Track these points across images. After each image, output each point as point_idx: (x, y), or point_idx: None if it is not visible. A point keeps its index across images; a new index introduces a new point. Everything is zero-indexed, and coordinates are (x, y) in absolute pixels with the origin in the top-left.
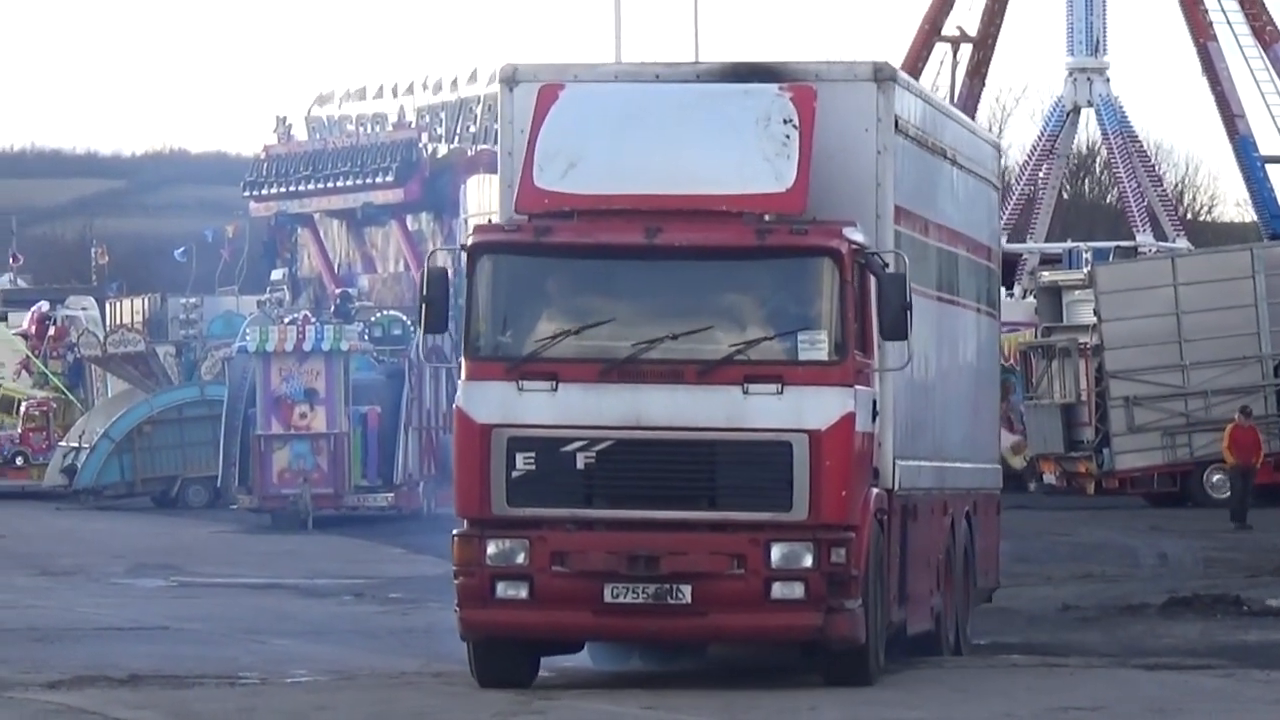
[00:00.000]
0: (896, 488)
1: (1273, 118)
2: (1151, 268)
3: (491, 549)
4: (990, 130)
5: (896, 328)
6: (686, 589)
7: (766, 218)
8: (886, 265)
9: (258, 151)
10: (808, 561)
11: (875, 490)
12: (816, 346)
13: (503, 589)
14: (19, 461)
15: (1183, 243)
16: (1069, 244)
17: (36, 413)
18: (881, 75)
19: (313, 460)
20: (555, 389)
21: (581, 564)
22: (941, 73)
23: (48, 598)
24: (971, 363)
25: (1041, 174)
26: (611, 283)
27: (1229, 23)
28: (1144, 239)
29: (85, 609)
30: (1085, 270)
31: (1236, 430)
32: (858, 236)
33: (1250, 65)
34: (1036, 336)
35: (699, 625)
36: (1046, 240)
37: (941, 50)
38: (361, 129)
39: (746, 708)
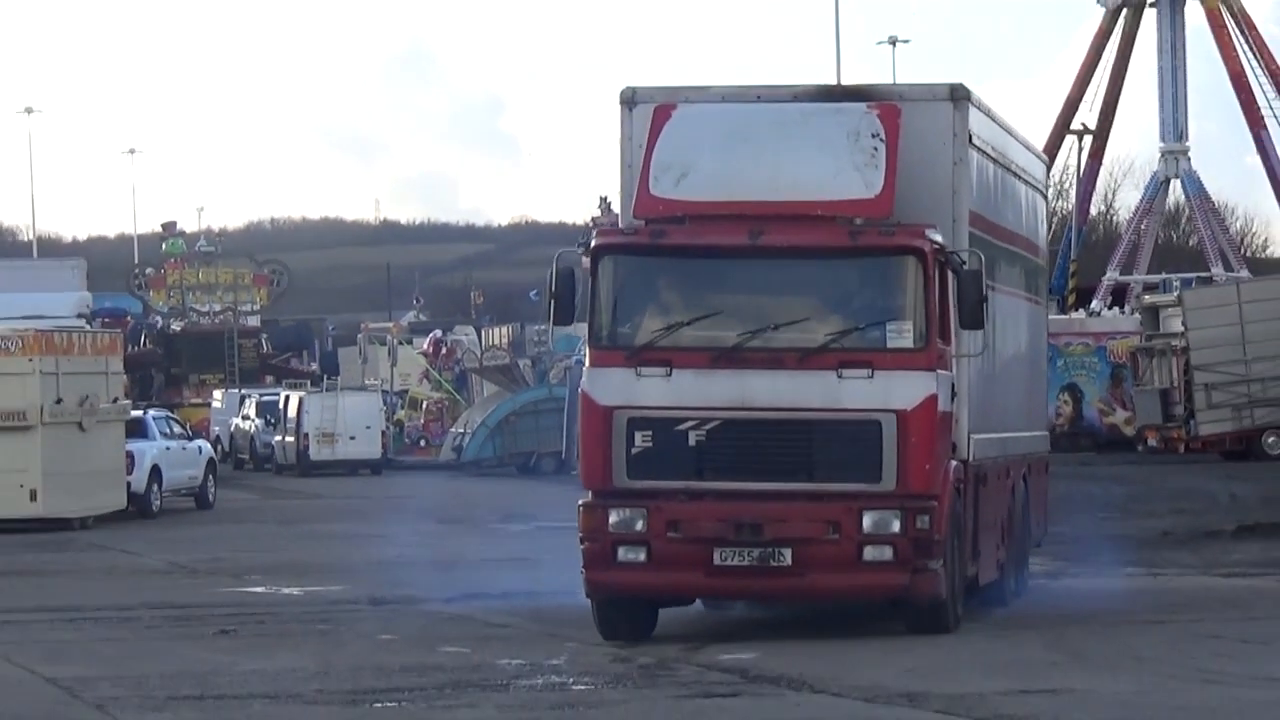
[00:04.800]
0: (971, 459)
1: None
2: (1222, 291)
3: (613, 518)
4: (1105, 196)
5: (974, 318)
6: (787, 552)
7: (857, 221)
8: (964, 263)
9: (587, 220)
10: (895, 527)
11: (954, 462)
12: (903, 335)
13: (623, 553)
14: (422, 443)
15: (1244, 273)
16: (1163, 275)
17: (434, 409)
18: (957, 95)
19: None
20: (669, 374)
21: (693, 530)
22: (1070, 156)
23: (444, 538)
24: (1026, 344)
25: (1143, 226)
26: (719, 279)
27: (1275, 115)
28: (1217, 271)
29: (470, 546)
30: (1175, 294)
31: None
32: (938, 237)
33: None
34: (1141, 341)
35: (798, 585)
36: (1147, 273)
37: (1070, 140)
38: None
39: (858, 659)
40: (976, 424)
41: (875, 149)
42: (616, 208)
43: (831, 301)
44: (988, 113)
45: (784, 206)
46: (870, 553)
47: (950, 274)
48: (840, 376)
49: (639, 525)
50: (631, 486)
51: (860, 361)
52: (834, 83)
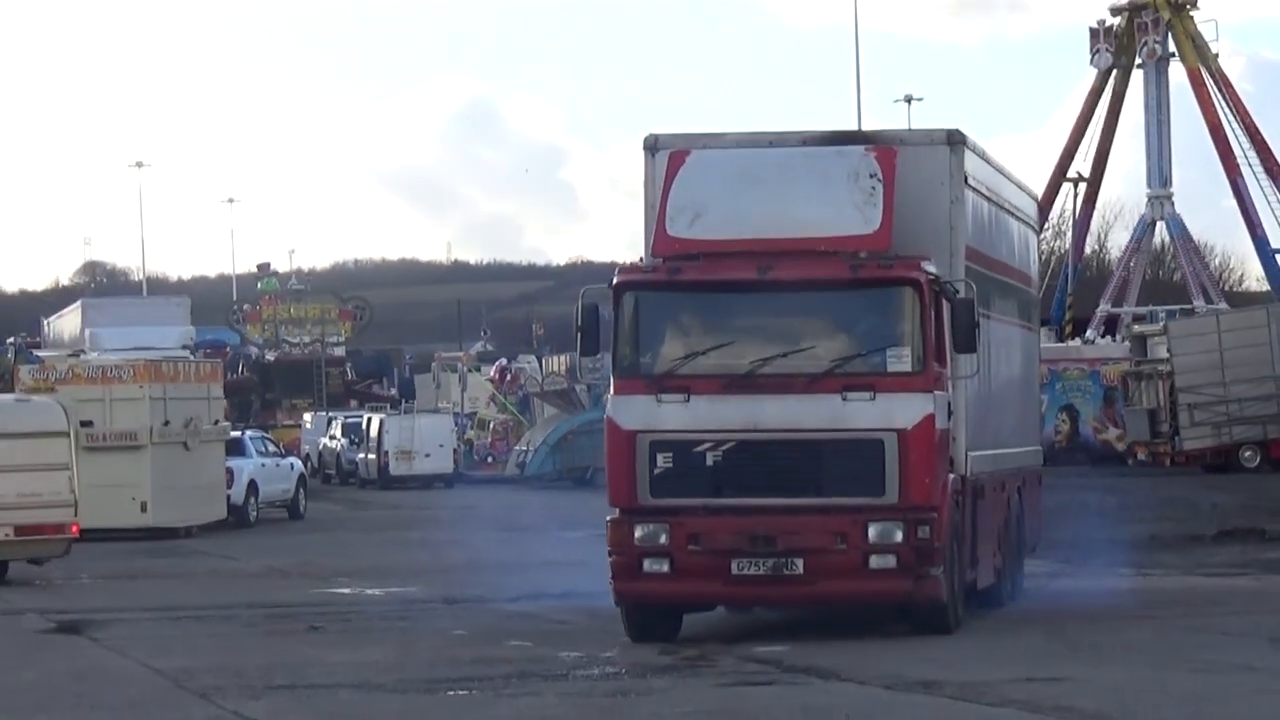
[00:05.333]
0: (968, 473)
1: (1277, 224)
2: (1203, 322)
3: (639, 532)
4: (1098, 237)
5: (967, 343)
6: (799, 561)
7: (859, 255)
8: (958, 292)
9: (637, 259)
10: (899, 537)
11: (952, 476)
12: (902, 360)
13: (648, 565)
14: (490, 460)
15: (1223, 305)
16: (1150, 308)
17: (500, 429)
18: (954, 139)
19: None
20: (687, 400)
21: (712, 543)
22: (1067, 201)
23: (509, 543)
24: (1019, 368)
25: (1132, 263)
26: (732, 311)
27: (1249, 164)
28: (1198, 304)
29: (532, 551)
30: (1161, 324)
31: None
32: (933, 268)
33: (1264, 190)
34: (1131, 366)
35: (810, 591)
36: (1136, 305)
37: (1066, 187)
38: None
39: (877, 653)
40: (973, 441)
41: (873, 188)
42: None
43: (835, 330)
44: (982, 155)
45: (790, 243)
46: (876, 561)
47: (945, 302)
48: (845, 399)
49: (662, 539)
50: (654, 504)
51: (863, 385)
52: (837, 129)
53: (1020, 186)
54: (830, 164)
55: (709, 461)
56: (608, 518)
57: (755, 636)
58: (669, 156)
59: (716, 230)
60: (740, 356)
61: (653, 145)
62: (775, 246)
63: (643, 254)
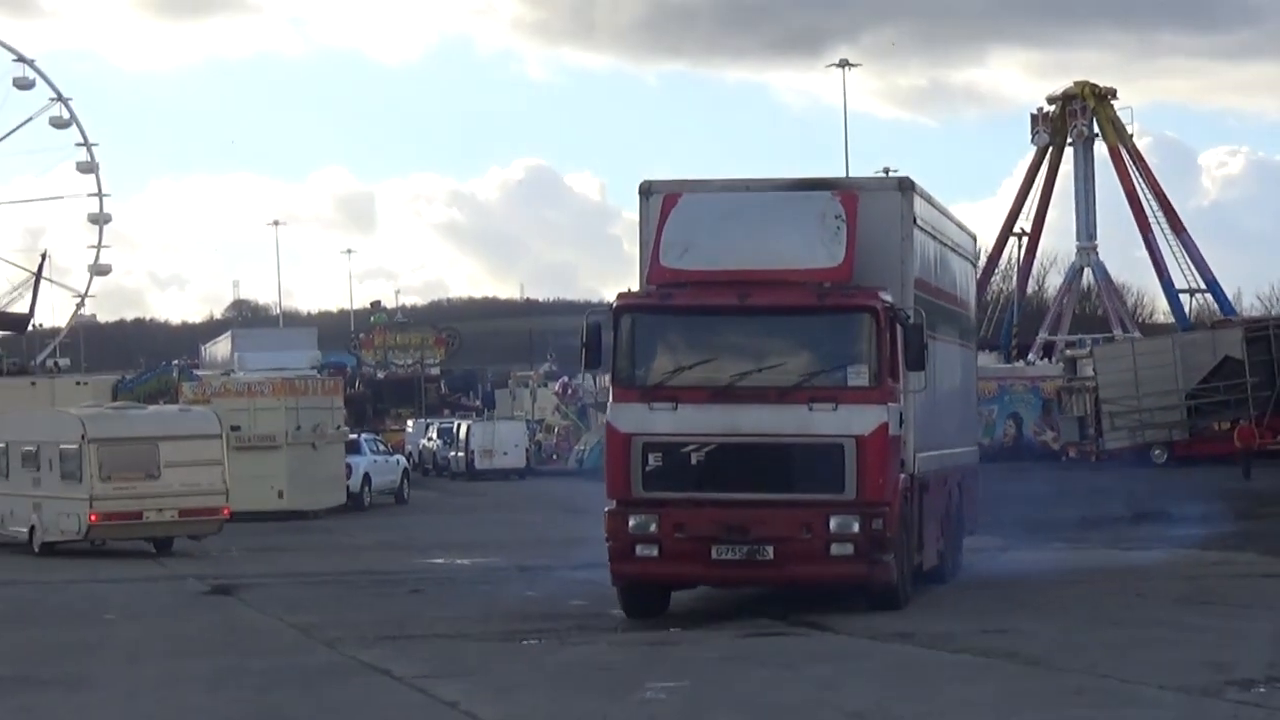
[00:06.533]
0: (916, 472)
1: (1180, 270)
2: (1122, 347)
3: (632, 521)
4: (1037, 279)
5: (917, 362)
6: (770, 548)
7: (824, 285)
8: (909, 318)
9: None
10: (855, 528)
11: (903, 475)
12: (860, 376)
13: (640, 549)
14: (555, 457)
15: (1137, 334)
16: (1079, 336)
17: (563, 432)
18: (904, 185)
19: None
20: (676, 408)
21: (695, 531)
22: (1013, 251)
23: (571, 523)
24: (959, 380)
25: (1065, 301)
26: (715, 332)
27: (1158, 221)
28: (1118, 333)
29: (590, 529)
30: (1088, 349)
31: (1242, 429)
32: (888, 297)
33: (1169, 243)
34: (1064, 382)
35: (779, 574)
36: (1069, 334)
37: (1012, 240)
38: None
39: (861, 614)
40: (920, 444)
41: (838, 228)
42: None
43: (803, 349)
44: (928, 199)
45: (766, 274)
46: (836, 548)
47: (898, 326)
48: (810, 409)
49: (652, 527)
50: (646, 497)
51: (826, 397)
52: (806, 177)
53: (960, 226)
54: (801, 206)
55: (693, 461)
56: (605, 508)
57: (766, 604)
58: (663, 199)
59: (703, 262)
60: (722, 371)
61: (647, 190)
62: (753, 277)
63: (638, 282)
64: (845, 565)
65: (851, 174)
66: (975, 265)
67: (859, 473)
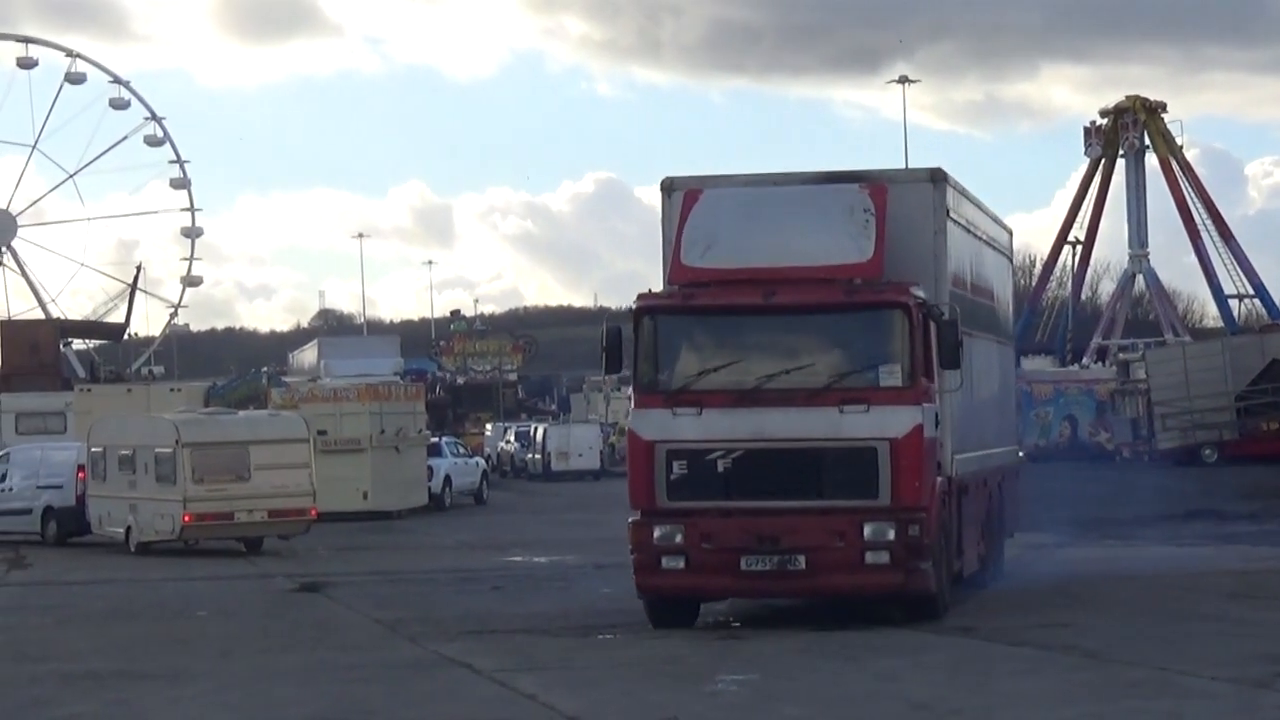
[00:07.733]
0: (954, 475)
1: (1228, 276)
2: (1173, 351)
3: (657, 532)
4: (1091, 286)
5: (952, 360)
6: (801, 558)
7: (854, 281)
8: (944, 314)
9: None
10: (891, 535)
11: (940, 478)
12: (893, 376)
13: (666, 561)
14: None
15: (1188, 339)
16: (1132, 340)
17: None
18: (936, 177)
19: None
20: (700, 413)
21: (723, 542)
22: (1067, 259)
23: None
24: (998, 378)
25: (1118, 307)
26: (740, 333)
27: (1207, 229)
28: (1169, 337)
29: None
30: (1141, 353)
31: None
32: (921, 293)
33: (1219, 250)
34: (1118, 385)
35: (811, 584)
36: (1121, 338)
37: (1067, 248)
38: None
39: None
40: (958, 446)
41: (867, 221)
42: None
43: (833, 349)
44: (962, 191)
45: (792, 271)
46: (871, 557)
47: (932, 323)
48: (841, 411)
49: (678, 539)
50: (671, 507)
51: (858, 398)
52: (833, 169)
53: (996, 219)
54: (828, 200)
55: (720, 468)
56: (629, 519)
57: (819, 608)
58: (684, 195)
59: (726, 260)
60: (747, 373)
61: (669, 186)
62: (779, 274)
63: (661, 282)
64: (881, 574)
65: None
66: (1011, 260)
67: (894, 477)
